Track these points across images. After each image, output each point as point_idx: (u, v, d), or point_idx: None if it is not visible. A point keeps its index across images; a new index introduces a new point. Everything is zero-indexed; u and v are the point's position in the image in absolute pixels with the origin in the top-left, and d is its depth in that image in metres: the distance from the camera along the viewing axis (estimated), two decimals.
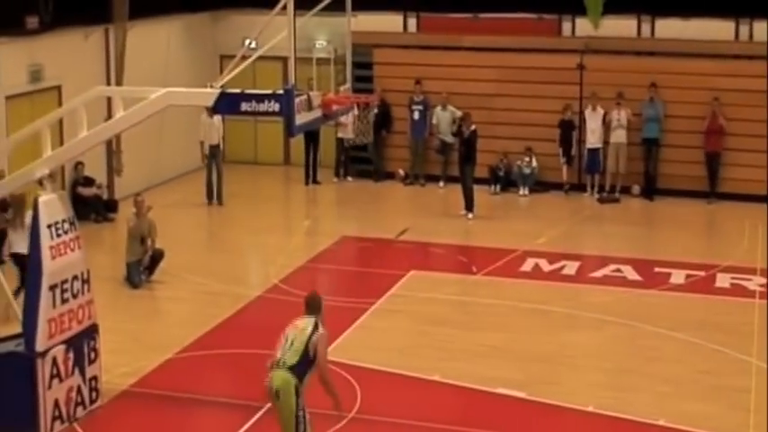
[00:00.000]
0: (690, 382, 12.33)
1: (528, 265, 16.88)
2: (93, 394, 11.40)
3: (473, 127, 20.11)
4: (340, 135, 22.76)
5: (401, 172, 23.12)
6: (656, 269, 16.65)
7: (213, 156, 20.92)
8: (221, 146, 21.29)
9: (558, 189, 22.18)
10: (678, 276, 16.34)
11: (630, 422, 11.25)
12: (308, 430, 9.69)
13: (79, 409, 11.17)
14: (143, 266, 15.87)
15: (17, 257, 14.13)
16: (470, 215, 20.09)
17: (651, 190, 21.72)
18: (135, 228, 15.91)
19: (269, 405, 11.47)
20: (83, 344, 11.22)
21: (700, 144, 21.44)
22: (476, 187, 20.38)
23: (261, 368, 12.58)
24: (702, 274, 16.48)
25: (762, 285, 15.85)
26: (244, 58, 11.08)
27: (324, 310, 9.94)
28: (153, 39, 21.56)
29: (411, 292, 15.58)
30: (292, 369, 9.53)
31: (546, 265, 16.89)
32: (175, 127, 21.18)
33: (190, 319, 14.37)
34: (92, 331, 11.39)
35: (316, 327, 9.71)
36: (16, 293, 13.06)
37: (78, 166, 19.18)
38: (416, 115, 22.73)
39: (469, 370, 12.53)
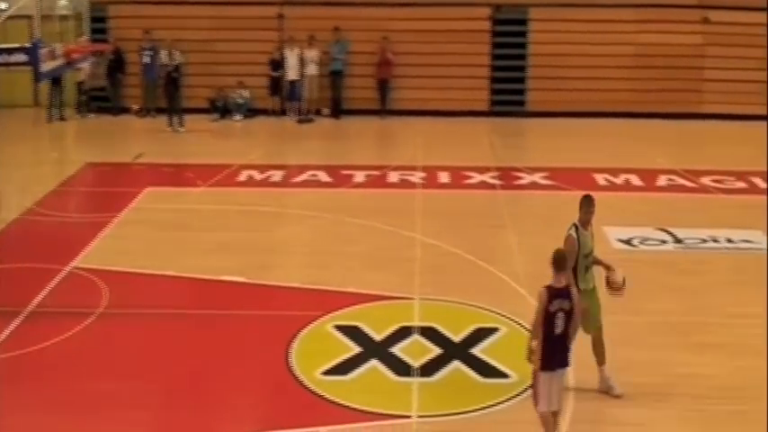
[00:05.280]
0: (371, 257, 12.73)
1: (243, 176, 16.80)
2: None
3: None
4: (79, 79, 21.71)
5: (135, 107, 22.40)
6: (343, 172, 17.01)
7: None
8: None
9: (266, 114, 22.23)
10: (359, 176, 16.77)
11: (328, 291, 11.47)
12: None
13: None
14: None
15: None
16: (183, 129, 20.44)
17: (338, 111, 22.16)
18: None
19: (29, 310, 10.99)
20: None
21: (374, 74, 22.04)
22: (198, 116, 20.13)
23: (21, 279, 12.04)
24: (377, 173, 17.02)
25: (421, 179, 16.62)
26: None
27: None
28: None
29: (149, 204, 15.15)
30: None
31: (258, 175, 16.88)
32: None
33: None
34: None
35: None
36: None
37: None
38: (146, 59, 21.96)
39: (199, 264, 12.36)
